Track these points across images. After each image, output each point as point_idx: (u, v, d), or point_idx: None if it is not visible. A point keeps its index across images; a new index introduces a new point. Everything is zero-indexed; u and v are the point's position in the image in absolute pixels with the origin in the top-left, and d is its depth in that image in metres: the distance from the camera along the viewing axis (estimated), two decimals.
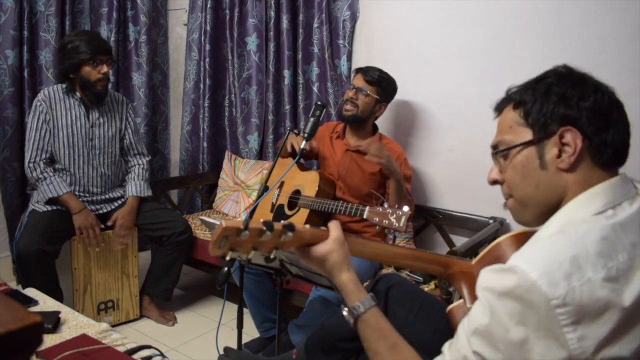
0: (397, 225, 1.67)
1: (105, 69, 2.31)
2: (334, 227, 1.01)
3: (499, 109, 0.95)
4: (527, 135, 0.89)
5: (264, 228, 0.87)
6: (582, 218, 0.83)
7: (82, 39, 2.28)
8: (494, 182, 0.97)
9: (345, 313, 0.99)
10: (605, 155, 0.85)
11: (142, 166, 2.54)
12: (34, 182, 2.33)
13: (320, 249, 0.98)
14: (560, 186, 0.87)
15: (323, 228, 1.01)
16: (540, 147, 0.87)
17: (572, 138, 0.84)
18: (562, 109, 0.85)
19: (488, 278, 0.82)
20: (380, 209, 1.72)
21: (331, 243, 0.98)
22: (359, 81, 2.21)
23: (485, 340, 0.81)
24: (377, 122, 2.33)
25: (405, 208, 1.66)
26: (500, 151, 0.92)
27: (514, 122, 0.91)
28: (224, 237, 0.84)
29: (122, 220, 2.37)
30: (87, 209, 2.33)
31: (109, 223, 2.37)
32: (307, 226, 0.97)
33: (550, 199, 0.88)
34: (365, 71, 2.22)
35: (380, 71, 2.22)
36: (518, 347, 0.77)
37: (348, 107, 2.21)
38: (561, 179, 0.87)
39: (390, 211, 1.69)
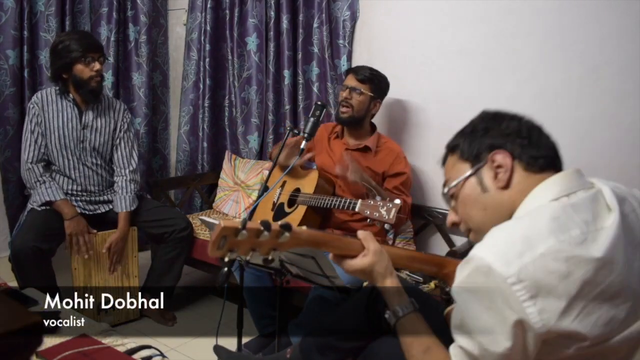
0: (387, 217, 1.69)
1: (97, 66, 2.30)
2: (369, 239, 1.06)
3: (443, 161, 1.06)
4: (466, 169, 0.98)
5: (262, 228, 0.88)
6: (539, 205, 0.89)
7: (73, 38, 2.28)
8: (452, 225, 1.05)
9: (386, 315, 1.06)
10: (538, 163, 0.93)
11: (125, 178, 2.46)
12: (31, 184, 2.34)
13: (362, 263, 1.04)
14: (506, 202, 0.94)
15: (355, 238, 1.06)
16: (478, 176, 0.96)
17: (502, 158, 0.94)
18: (488, 139, 0.96)
19: (458, 273, 0.87)
20: (372, 202, 1.73)
21: (371, 256, 1.04)
22: (351, 81, 2.22)
23: (464, 333, 0.87)
24: (377, 121, 2.33)
25: (397, 201, 1.68)
26: (446, 191, 1.02)
27: (453, 163, 1.01)
28: (223, 237, 0.84)
29: (115, 247, 2.38)
30: (79, 216, 2.33)
31: (104, 250, 2.36)
32: (304, 228, 0.98)
33: (502, 216, 0.94)
34: (356, 71, 2.24)
35: (371, 69, 2.24)
36: (490, 329, 0.82)
37: (343, 109, 2.21)
38: (504, 196, 0.94)
39: (381, 204, 1.71)
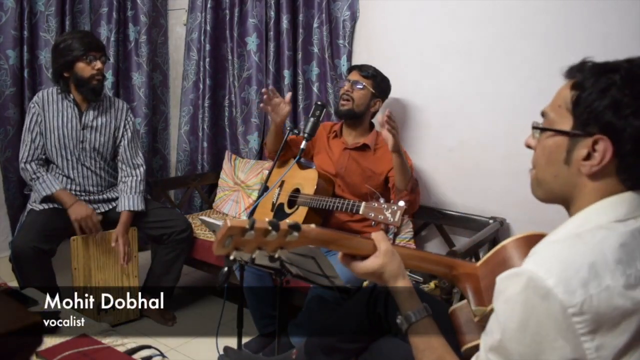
0: (392, 219, 1.67)
1: (99, 64, 2.31)
2: (382, 240, 1.01)
3: (567, 76, 0.89)
4: (566, 123, 0.84)
5: (270, 228, 0.86)
6: (600, 224, 0.80)
7: (74, 37, 2.30)
8: (528, 147, 0.94)
9: (398, 320, 1.01)
10: (632, 178, 0.81)
11: (136, 178, 2.46)
12: (28, 182, 2.36)
13: (373, 263, 0.99)
14: (578, 186, 0.84)
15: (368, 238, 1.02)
16: (572, 142, 0.83)
17: (603, 149, 0.80)
18: (610, 116, 0.79)
19: (503, 285, 0.80)
20: (376, 204, 1.73)
21: (382, 257, 0.99)
22: (354, 76, 2.25)
23: (501, 356, 0.79)
24: (377, 122, 2.33)
25: (401, 203, 1.67)
26: (537, 127, 0.90)
27: (563, 102, 0.85)
28: (229, 236, 0.83)
29: (122, 239, 2.38)
30: (80, 200, 2.33)
31: (113, 244, 2.37)
32: (313, 226, 0.96)
33: (564, 192, 0.86)
34: (361, 67, 2.27)
35: (375, 68, 2.26)
36: (534, 358, 0.75)
37: (343, 102, 2.23)
38: (580, 181, 0.84)
39: (386, 206, 1.70)
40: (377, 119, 2.05)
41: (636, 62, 0.82)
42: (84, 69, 2.29)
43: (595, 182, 0.83)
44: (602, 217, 0.81)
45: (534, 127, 0.90)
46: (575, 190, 0.85)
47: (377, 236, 1.02)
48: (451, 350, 0.96)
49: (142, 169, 2.50)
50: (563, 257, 0.75)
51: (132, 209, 2.40)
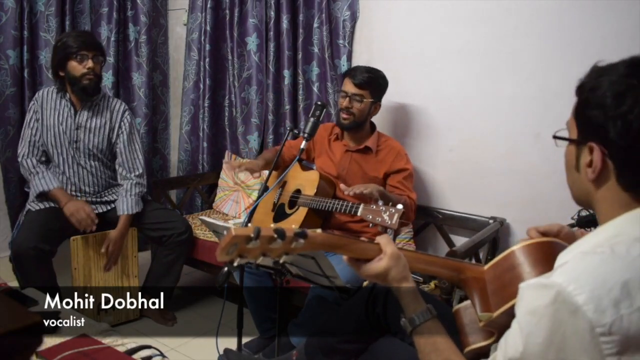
0: (389, 222, 1.68)
1: (90, 64, 2.30)
2: (387, 243, 1.01)
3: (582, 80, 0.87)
4: (574, 131, 0.85)
5: (275, 235, 0.85)
6: (636, 236, 0.77)
7: (71, 36, 2.32)
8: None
9: (402, 323, 1.01)
10: (633, 184, 0.80)
11: (131, 182, 2.43)
12: (27, 177, 2.37)
13: (378, 266, 0.99)
14: (590, 193, 0.84)
15: (375, 241, 1.02)
16: (578, 150, 0.84)
17: (596, 157, 0.80)
18: (597, 119, 0.79)
19: (529, 295, 0.78)
20: (374, 207, 1.73)
21: (387, 260, 0.99)
22: (349, 87, 2.16)
23: None
24: (377, 122, 2.33)
25: (399, 206, 1.67)
26: (555, 137, 0.90)
27: (574, 111, 0.86)
28: (233, 244, 0.83)
29: (113, 247, 2.36)
30: (74, 197, 2.33)
31: (102, 250, 2.35)
32: (319, 231, 0.96)
33: (584, 198, 0.87)
34: (353, 75, 2.16)
35: (368, 70, 2.17)
36: None
37: (344, 115, 2.17)
38: (590, 187, 0.84)
39: (384, 209, 1.70)
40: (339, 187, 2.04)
41: (628, 62, 0.81)
42: (75, 67, 2.30)
43: (599, 190, 0.82)
44: (637, 228, 0.78)
45: (553, 137, 0.90)
46: (589, 197, 0.85)
47: (383, 239, 1.02)
48: (458, 351, 0.95)
49: (138, 173, 2.46)
50: (596, 273, 0.73)
51: (126, 212, 2.38)
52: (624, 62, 0.81)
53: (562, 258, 0.83)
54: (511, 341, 0.80)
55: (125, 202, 2.39)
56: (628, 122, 0.76)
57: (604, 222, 0.83)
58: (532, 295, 0.77)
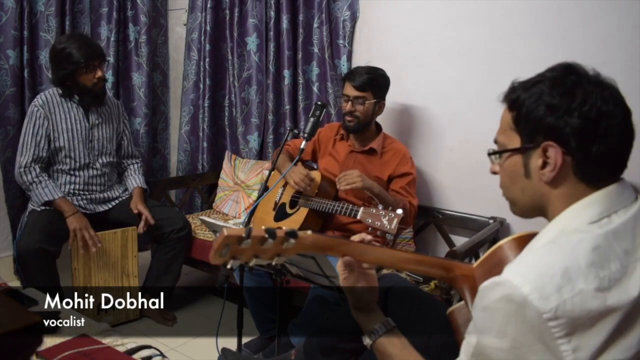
0: (388, 227, 1.68)
1: (99, 73, 2.35)
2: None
3: (504, 101, 0.94)
4: (516, 141, 0.89)
5: (266, 235, 0.86)
6: (576, 227, 0.83)
7: (74, 46, 2.30)
8: (494, 173, 0.98)
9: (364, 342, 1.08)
10: (591, 173, 0.84)
11: (137, 164, 2.66)
12: (27, 186, 2.36)
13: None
14: (545, 195, 0.88)
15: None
16: (526, 156, 0.88)
17: (554, 154, 0.84)
18: (548, 121, 0.84)
19: (483, 294, 0.82)
20: (374, 211, 1.73)
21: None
22: (350, 90, 2.14)
23: None
24: (380, 120, 2.32)
25: (399, 211, 1.68)
26: (491, 153, 0.95)
27: (507, 125, 0.91)
28: (226, 245, 0.83)
29: (142, 205, 2.44)
30: (79, 212, 2.34)
31: (135, 211, 2.43)
32: (309, 232, 0.96)
33: (536, 204, 0.90)
34: (352, 78, 2.14)
35: (367, 71, 2.15)
36: None
37: (349, 118, 2.16)
38: (544, 190, 0.87)
39: (383, 213, 1.70)
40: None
41: (556, 68, 0.89)
42: (85, 79, 2.34)
43: (558, 189, 0.86)
44: (576, 220, 0.84)
45: (489, 154, 0.95)
46: (543, 200, 0.88)
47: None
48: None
49: (140, 158, 2.73)
50: (539, 265, 0.78)
51: (139, 185, 2.56)
52: (549, 70, 0.89)
53: (517, 258, 0.87)
54: (469, 339, 0.85)
55: (136, 178, 2.59)
56: (583, 114, 0.82)
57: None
58: (485, 294, 0.81)
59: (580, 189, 0.85)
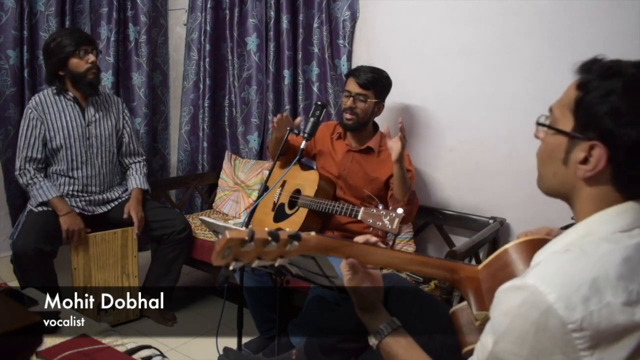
0: (390, 227, 1.67)
1: (92, 57, 2.33)
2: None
3: (576, 72, 0.87)
4: (568, 123, 0.83)
5: (269, 238, 0.86)
6: (604, 235, 0.80)
7: (63, 35, 2.32)
8: (537, 137, 0.93)
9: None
10: (628, 186, 0.81)
11: (140, 163, 2.62)
12: (25, 188, 2.37)
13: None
14: (575, 189, 0.84)
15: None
16: (571, 143, 0.83)
17: (598, 156, 0.80)
18: (607, 123, 0.78)
19: (503, 297, 0.79)
20: (375, 211, 1.72)
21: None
22: (353, 86, 2.15)
23: None
24: (377, 122, 2.33)
25: (400, 210, 1.67)
26: (540, 124, 0.90)
27: (567, 102, 0.85)
28: (228, 247, 0.83)
29: (134, 210, 2.41)
30: (74, 212, 2.34)
31: (125, 216, 2.40)
32: (313, 233, 0.96)
33: (563, 191, 0.86)
34: (356, 75, 2.15)
35: (372, 70, 2.16)
36: None
37: (348, 115, 2.16)
38: (577, 183, 0.84)
39: (384, 213, 1.70)
40: (384, 129, 2.00)
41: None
42: (78, 64, 2.31)
43: (591, 188, 0.83)
44: (605, 227, 0.81)
45: (538, 124, 0.90)
46: (573, 192, 0.85)
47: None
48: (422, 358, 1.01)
49: (143, 156, 2.67)
50: (565, 272, 0.76)
51: (139, 185, 2.52)
52: (634, 64, 0.81)
53: (536, 258, 0.85)
54: (485, 342, 0.82)
55: (137, 179, 2.55)
56: None
57: (581, 218, 0.85)
58: (506, 297, 0.79)
59: (612, 196, 0.82)
